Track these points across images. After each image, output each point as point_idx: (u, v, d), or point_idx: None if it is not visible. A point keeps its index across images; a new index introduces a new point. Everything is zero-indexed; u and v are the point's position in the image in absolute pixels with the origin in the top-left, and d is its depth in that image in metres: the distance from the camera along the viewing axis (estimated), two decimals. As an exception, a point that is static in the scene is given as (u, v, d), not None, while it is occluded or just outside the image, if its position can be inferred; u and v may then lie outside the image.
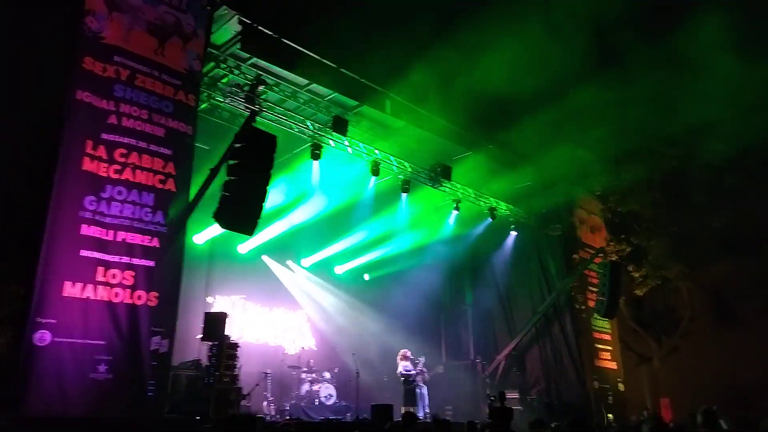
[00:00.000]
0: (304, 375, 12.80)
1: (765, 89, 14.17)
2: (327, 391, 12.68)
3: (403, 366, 12.68)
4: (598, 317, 15.32)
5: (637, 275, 16.93)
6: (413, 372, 12.61)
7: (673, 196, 17.21)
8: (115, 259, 7.58)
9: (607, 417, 14.25)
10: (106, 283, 7.40)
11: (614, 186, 17.58)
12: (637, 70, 17.15)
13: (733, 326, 18.30)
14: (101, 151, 7.79)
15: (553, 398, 14.33)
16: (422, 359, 13.01)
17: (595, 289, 15.13)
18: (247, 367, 10.67)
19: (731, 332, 18.18)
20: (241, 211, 8.15)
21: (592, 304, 15.13)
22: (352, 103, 12.25)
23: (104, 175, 7.75)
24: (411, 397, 12.19)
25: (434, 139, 13.52)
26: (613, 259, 15.57)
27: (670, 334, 17.64)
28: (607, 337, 16.03)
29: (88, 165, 7.64)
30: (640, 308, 18.28)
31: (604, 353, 15.67)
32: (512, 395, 13.80)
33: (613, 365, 15.93)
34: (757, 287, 16.91)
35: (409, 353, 13.00)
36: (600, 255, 15.77)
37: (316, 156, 11.67)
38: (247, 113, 9.93)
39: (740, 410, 12.68)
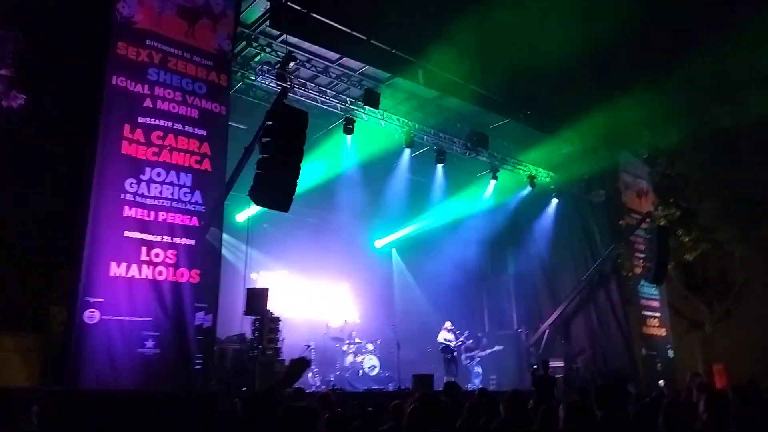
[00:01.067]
0: (347, 347, 13.03)
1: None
2: (370, 362, 12.89)
3: (443, 337, 12.86)
4: (646, 284, 14.93)
5: (686, 240, 16.33)
6: (453, 343, 12.76)
7: (725, 155, 16.45)
8: (157, 238, 7.83)
9: (658, 383, 13.98)
10: (149, 262, 7.67)
11: (662, 148, 16.94)
12: (683, 25, 16.34)
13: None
14: (138, 135, 8.00)
15: (600, 366, 14.13)
16: (466, 333, 13.20)
17: (642, 256, 14.73)
18: (291, 340, 10.91)
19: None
20: (276, 189, 8.26)
21: (639, 270, 14.74)
22: (385, 75, 12.12)
23: (142, 157, 7.97)
24: (450, 367, 12.33)
25: (470, 108, 13.29)
26: (661, 223, 15.06)
27: (723, 299, 17.04)
28: (655, 303, 15.63)
29: (126, 148, 7.88)
30: (691, 273, 17.67)
31: (652, 320, 15.31)
32: (557, 364, 13.72)
33: (661, 332, 15.56)
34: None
35: (450, 325, 13.14)
36: (647, 220, 15.29)
37: (348, 130, 11.67)
38: (278, 90, 9.97)
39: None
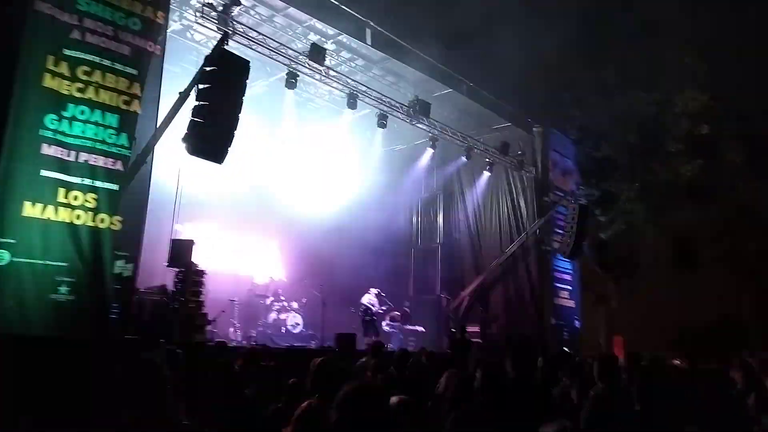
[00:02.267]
0: (271, 304, 13.01)
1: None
2: (294, 320, 12.94)
3: (367, 299, 13.15)
4: (562, 258, 15.75)
5: (603, 219, 17.33)
6: (375, 308, 13.10)
7: (648, 142, 17.41)
8: (77, 180, 7.41)
9: (564, 349, 14.90)
10: (67, 205, 7.27)
11: (591, 129, 17.68)
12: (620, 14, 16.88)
13: (689, 272, 19.09)
14: (63, 68, 7.45)
15: (512, 332, 14.88)
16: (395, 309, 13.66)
17: (561, 231, 15.46)
18: (215, 294, 10.74)
19: (688, 278, 18.98)
20: (211, 138, 7.99)
21: (557, 245, 15.48)
22: (331, 31, 11.83)
23: (66, 93, 7.44)
24: (368, 329, 12.66)
25: (414, 74, 13.26)
26: (581, 202, 15.83)
27: (630, 277, 18.29)
28: (568, 277, 16.54)
29: (49, 82, 7.33)
30: (604, 251, 18.84)
31: (563, 292, 16.21)
32: (473, 329, 14.35)
33: (571, 303, 16.53)
34: (715, 236, 17.52)
35: (375, 290, 13.47)
36: (569, 198, 16.01)
37: (291, 85, 11.36)
38: (219, 35, 9.51)
39: (687, 350, 13.35)
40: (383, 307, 13.58)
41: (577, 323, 16.61)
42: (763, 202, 16.48)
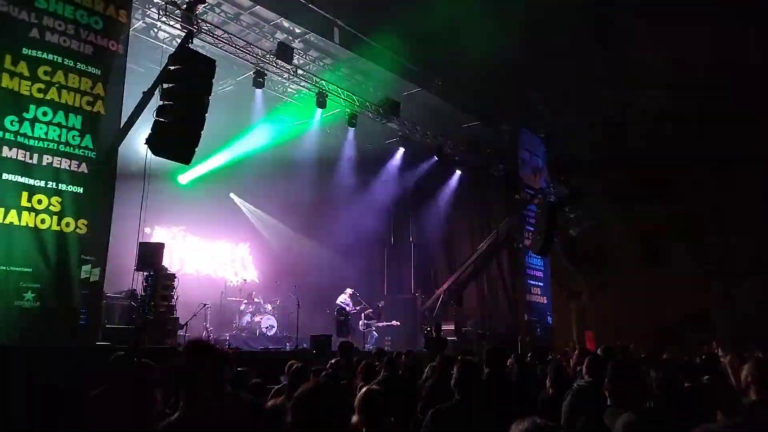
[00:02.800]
0: (245, 306, 12.85)
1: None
2: (268, 323, 12.82)
3: (341, 299, 13.11)
4: (533, 255, 15.93)
5: (572, 216, 17.60)
6: (349, 307, 13.07)
7: (614, 140, 17.73)
8: (41, 183, 7.20)
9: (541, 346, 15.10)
10: (31, 209, 7.05)
11: (559, 128, 17.93)
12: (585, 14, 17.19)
13: (657, 267, 19.50)
14: (22, 68, 7.24)
15: (486, 329, 15.01)
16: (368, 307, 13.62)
17: (532, 229, 15.64)
18: (187, 298, 10.57)
19: (656, 273, 19.38)
20: (177, 139, 7.86)
21: (528, 242, 15.66)
22: (299, 29, 11.76)
23: (26, 93, 7.23)
24: (342, 329, 12.62)
25: (383, 73, 13.26)
26: (551, 200, 16.05)
27: (599, 273, 18.58)
28: (540, 274, 16.75)
29: (7, 82, 7.11)
30: (573, 247, 19.12)
31: (535, 289, 16.41)
32: (448, 327, 14.43)
33: (543, 300, 16.74)
34: (682, 232, 17.93)
35: (350, 291, 13.43)
36: (539, 196, 16.21)
37: (259, 84, 11.26)
38: (184, 33, 9.37)
39: (656, 343, 13.66)
40: (357, 307, 13.55)
41: (549, 319, 16.83)
42: (727, 197, 16.91)
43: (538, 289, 16.62)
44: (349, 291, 13.62)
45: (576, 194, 17.92)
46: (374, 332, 13.77)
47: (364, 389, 3.18)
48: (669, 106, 16.75)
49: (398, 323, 14.34)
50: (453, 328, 14.55)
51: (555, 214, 15.36)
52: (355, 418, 3.06)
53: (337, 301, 13.24)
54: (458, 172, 15.98)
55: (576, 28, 17.16)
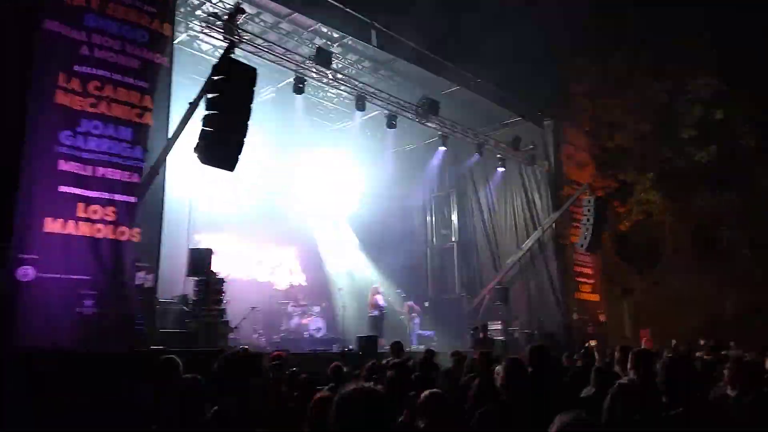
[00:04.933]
0: (293, 309, 13.04)
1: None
2: (316, 325, 12.97)
3: (382, 300, 13.20)
4: (582, 251, 15.57)
5: (622, 210, 17.12)
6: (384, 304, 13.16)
7: (662, 130, 17.19)
8: (95, 194, 7.48)
9: (589, 343, 14.72)
10: (87, 219, 7.33)
11: (604, 120, 17.50)
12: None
13: (712, 259, 18.76)
14: (74, 84, 7.53)
15: (534, 329, 14.74)
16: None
17: (579, 225, 15.30)
18: (236, 302, 10.80)
19: (710, 265, 18.64)
20: (222, 147, 8.03)
21: (575, 239, 15.33)
22: (336, 34, 11.87)
23: (79, 108, 7.52)
24: (378, 327, 12.67)
25: (421, 73, 13.25)
26: (598, 194, 15.66)
27: (652, 267, 18.03)
28: (589, 270, 16.36)
29: (61, 98, 7.40)
30: (624, 242, 18.58)
31: (585, 286, 16.04)
32: (495, 327, 14.24)
33: (594, 297, 16.34)
34: (737, 221, 17.20)
35: (380, 288, 13.51)
36: (586, 191, 15.84)
37: (299, 90, 11.40)
38: (226, 44, 9.58)
39: (714, 339, 13.12)
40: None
41: (601, 317, 16.41)
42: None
43: (588, 286, 16.25)
44: (379, 288, 13.69)
45: (624, 188, 17.44)
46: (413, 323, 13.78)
47: (427, 391, 3.16)
48: (717, 92, 16.14)
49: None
50: (500, 327, 14.35)
51: (603, 208, 14.97)
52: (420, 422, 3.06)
53: (381, 302, 13.26)
54: (501, 169, 15.77)
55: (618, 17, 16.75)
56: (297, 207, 15.06)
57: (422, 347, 11.40)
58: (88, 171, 7.46)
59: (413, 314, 14.02)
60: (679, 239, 17.99)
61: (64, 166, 7.28)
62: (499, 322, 14.60)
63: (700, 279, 18.17)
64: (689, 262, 18.18)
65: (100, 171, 7.57)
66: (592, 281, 16.37)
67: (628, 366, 4.43)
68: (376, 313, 13.09)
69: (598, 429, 1.97)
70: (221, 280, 9.61)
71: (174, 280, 9.89)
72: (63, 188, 7.24)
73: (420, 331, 14.11)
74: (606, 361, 7.05)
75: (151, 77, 8.21)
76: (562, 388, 4.68)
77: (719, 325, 17.30)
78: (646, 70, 17.06)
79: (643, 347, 9.56)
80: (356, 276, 15.59)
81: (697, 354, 8.48)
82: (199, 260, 9.40)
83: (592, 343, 14.17)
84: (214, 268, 9.64)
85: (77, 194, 7.32)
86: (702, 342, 11.27)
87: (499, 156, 15.46)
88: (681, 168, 17.14)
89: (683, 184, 16.99)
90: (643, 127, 16.85)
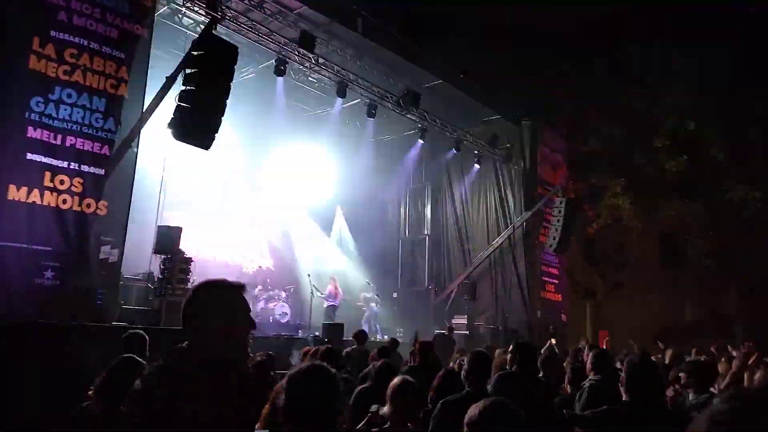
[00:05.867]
0: (259, 293, 12.98)
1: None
2: (282, 309, 12.93)
3: (333, 289, 13.26)
4: (549, 252, 15.83)
5: (591, 214, 17.45)
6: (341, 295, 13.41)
7: (636, 138, 17.54)
8: (64, 164, 7.33)
9: (550, 341, 15.02)
10: (53, 189, 7.19)
11: (580, 124, 17.76)
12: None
13: (674, 266, 19.29)
14: (49, 50, 7.35)
15: (499, 324, 14.97)
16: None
17: (549, 226, 15.53)
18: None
19: (674, 273, 19.18)
20: (198, 124, 7.93)
21: (544, 239, 15.56)
22: (322, 19, 11.75)
23: (52, 75, 7.35)
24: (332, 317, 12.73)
25: (404, 65, 13.21)
26: (570, 197, 15.90)
27: (616, 272, 18.44)
28: (555, 271, 16.65)
29: (34, 64, 7.22)
30: (591, 246, 18.97)
31: (550, 286, 16.32)
32: (460, 320, 14.43)
33: (558, 297, 16.64)
34: (702, 231, 17.69)
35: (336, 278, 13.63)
36: (558, 192, 16.08)
37: (280, 72, 11.28)
38: (208, 20, 9.41)
39: (672, 343, 13.51)
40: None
41: (563, 317, 16.73)
42: (746, 199, 16.66)
43: (553, 286, 16.53)
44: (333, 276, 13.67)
45: (595, 192, 17.77)
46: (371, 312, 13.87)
47: (397, 378, 3.22)
48: (692, 104, 16.52)
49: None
50: (465, 322, 14.54)
51: (573, 211, 15.22)
52: (386, 408, 3.10)
53: (338, 293, 13.36)
54: (477, 166, 15.89)
55: (601, 25, 16.95)
56: (270, 191, 14.95)
57: (386, 337, 11.49)
58: (57, 140, 7.30)
59: (372, 304, 14.04)
60: (644, 245, 18.43)
61: (32, 133, 7.11)
62: (464, 316, 14.80)
63: (661, 285, 18.68)
64: (652, 268, 18.65)
65: (70, 141, 7.42)
66: (557, 281, 16.67)
67: (588, 366, 4.58)
68: (334, 302, 13.11)
69: (519, 414, 2.05)
70: (188, 260, 9.51)
71: (140, 256, 9.75)
72: (31, 156, 7.08)
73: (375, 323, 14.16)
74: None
75: (129, 48, 8.05)
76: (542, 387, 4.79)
77: (677, 330, 17.84)
78: (625, 78, 17.36)
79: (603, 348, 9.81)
80: (325, 263, 15.58)
81: (653, 357, 8.75)
82: (168, 238, 9.28)
83: (553, 341, 14.49)
84: (182, 247, 9.53)
85: (45, 163, 7.18)
86: (660, 345, 11.58)
87: (476, 153, 15.56)
88: (651, 176, 17.53)
89: (653, 191, 17.38)
90: (617, 133, 17.15)
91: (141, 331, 4.19)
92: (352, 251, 15.97)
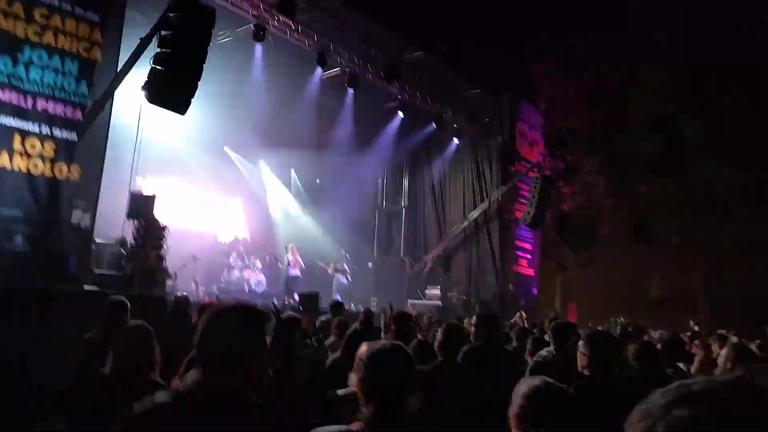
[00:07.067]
0: (234, 262, 12.99)
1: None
2: (257, 278, 12.99)
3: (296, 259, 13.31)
4: (524, 227, 16.09)
5: (566, 191, 17.71)
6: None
7: (613, 117, 17.72)
8: (35, 128, 7.19)
9: (519, 313, 15.39)
10: (24, 153, 7.06)
11: (558, 101, 17.86)
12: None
13: (645, 244, 19.80)
14: (17, 8, 7.13)
15: (471, 296, 15.26)
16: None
17: (524, 201, 15.74)
18: (177, 251, 10.64)
19: (643, 250, 19.69)
20: (173, 88, 7.80)
21: (519, 215, 15.79)
22: (302, -15, 11.51)
23: (21, 35, 7.14)
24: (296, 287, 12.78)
25: (386, 35, 13.09)
26: (546, 174, 16.10)
27: (588, 248, 18.84)
28: (528, 246, 16.95)
29: (2, 22, 7.00)
30: (564, 222, 19.31)
31: (523, 260, 16.64)
32: (434, 291, 14.68)
33: (530, 271, 16.99)
34: (672, 210, 18.11)
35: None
36: (534, 169, 16.26)
37: (259, 38, 11.09)
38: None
39: (635, 320, 13.96)
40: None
41: (534, 290, 17.12)
42: (716, 180, 17.04)
43: (526, 261, 16.85)
44: (291, 246, 13.56)
45: (570, 169, 18.00)
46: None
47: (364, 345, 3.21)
48: (669, 84, 16.71)
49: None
50: (438, 293, 14.79)
51: (548, 187, 15.44)
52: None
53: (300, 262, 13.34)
54: (455, 141, 15.95)
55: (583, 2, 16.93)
56: (246, 158, 14.83)
57: (361, 307, 11.64)
58: (28, 103, 7.14)
59: (339, 274, 14.10)
60: (615, 223, 18.82)
61: (1, 95, 6.93)
62: (438, 287, 15.04)
63: (629, 262, 19.17)
64: (622, 245, 19.10)
65: (41, 104, 7.26)
66: (530, 256, 16.98)
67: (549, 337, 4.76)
68: (295, 272, 13.14)
69: (566, 394, 2.10)
70: (163, 226, 9.45)
71: (113, 222, 9.64)
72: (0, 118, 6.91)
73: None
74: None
75: (102, 10, 7.86)
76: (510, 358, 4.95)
77: (642, 305, 18.42)
78: (604, 55, 17.44)
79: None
80: (302, 232, 15.61)
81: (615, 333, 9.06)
82: (141, 204, 9.17)
83: (524, 314, 14.84)
84: (156, 214, 9.45)
85: (14, 126, 7.02)
86: (622, 319, 11.97)
87: (455, 126, 15.60)
88: (627, 155, 17.79)
89: (627, 170, 17.68)
90: (595, 112, 17.31)
91: (122, 297, 4.21)
92: (328, 220, 15.97)
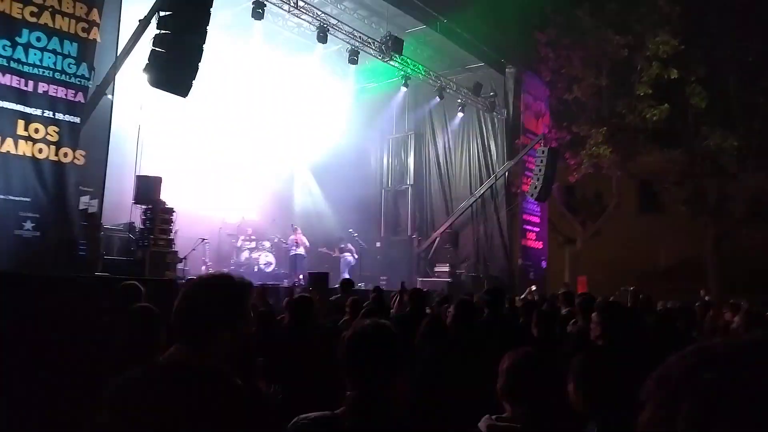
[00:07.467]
0: (242, 243, 12.95)
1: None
2: (266, 259, 12.96)
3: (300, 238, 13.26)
4: (531, 200, 15.97)
5: (572, 163, 17.53)
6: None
7: (619, 86, 17.44)
8: (37, 112, 7.09)
9: (530, 287, 15.36)
10: (28, 138, 6.97)
11: (563, 72, 17.57)
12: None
13: (653, 215, 19.66)
14: (12, -12, 6.97)
15: (480, 272, 15.22)
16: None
17: (530, 174, 15.61)
18: (185, 233, 10.61)
19: (651, 220, 19.57)
20: (174, 70, 7.66)
21: (526, 188, 15.66)
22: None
23: (18, 17, 7.00)
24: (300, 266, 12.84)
25: (387, 8, 12.87)
26: (552, 146, 15.93)
27: (595, 220, 18.72)
28: (536, 219, 16.86)
29: (-2, 4, 6.87)
30: (571, 194, 19.15)
31: (531, 234, 16.56)
32: (443, 269, 14.63)
33: (538, 245, 16.92)
34: (680, 179, 17.94)
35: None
36: (540, 141, 16.09)
37: (258, 15, 10.91)
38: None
39: (645, 291, 13.92)
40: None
41: (543, 264, 17.06)
42: (723, 147, 16.82)
43: (534, 234, 16.77)
44: (299, 229, 13.59)
45: (577, 141, 17.79)
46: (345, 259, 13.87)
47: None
48: (675, 52, 16.39)
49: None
50: (448, 270, 14.75)
51: (555, 159, 15.29)
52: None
53: (305, 242, 13.32)
54: (460, 114, 15.76)
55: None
56: (251, 139, 14.69)
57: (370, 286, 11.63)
58: (29, 86, 7.04)
59: (345, 254, 14.05)
60: (623, 194, 18.66)
61: (1, 78, 6.84)
62: (447, 264, 14.99)
63: (637, 233, 19.07)
64: (630, 216, 18.96)
65: (43, 87, 7.15)
66: (537, 229, 16.90)
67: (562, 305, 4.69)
68: (300, 252, 13.11)
69: (546, 365, 2.10)
70: (170, 210, 9.40)
71: (120, 207, 9.60)
72: (1, 103, 6.82)
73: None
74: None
75: (98, -12, 7.68)
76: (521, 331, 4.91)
77: (651, 276, 18.35)
78: (609, 23, 17.10)
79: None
80: (309, 213, 15.55)
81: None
82: (148, 188, 9.13)
83: (533, 287, 14.82)
84: (163, 197, 9.40)
85: (17, 110, 6.93)
86: (631, 289, 11.85)
87: (459, 101, 15.41)
88: (633, 124, 17.55)
89: (633, 140, 17.45)
90: (600, 81, 17.04)
91: (136, 282, 4.17)
92: (334, 200, 15.87)
